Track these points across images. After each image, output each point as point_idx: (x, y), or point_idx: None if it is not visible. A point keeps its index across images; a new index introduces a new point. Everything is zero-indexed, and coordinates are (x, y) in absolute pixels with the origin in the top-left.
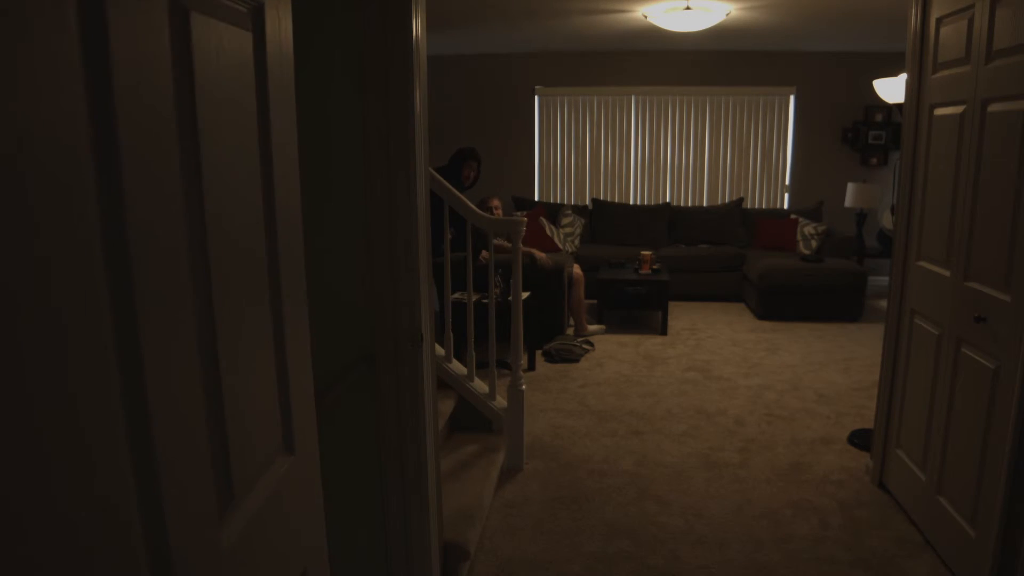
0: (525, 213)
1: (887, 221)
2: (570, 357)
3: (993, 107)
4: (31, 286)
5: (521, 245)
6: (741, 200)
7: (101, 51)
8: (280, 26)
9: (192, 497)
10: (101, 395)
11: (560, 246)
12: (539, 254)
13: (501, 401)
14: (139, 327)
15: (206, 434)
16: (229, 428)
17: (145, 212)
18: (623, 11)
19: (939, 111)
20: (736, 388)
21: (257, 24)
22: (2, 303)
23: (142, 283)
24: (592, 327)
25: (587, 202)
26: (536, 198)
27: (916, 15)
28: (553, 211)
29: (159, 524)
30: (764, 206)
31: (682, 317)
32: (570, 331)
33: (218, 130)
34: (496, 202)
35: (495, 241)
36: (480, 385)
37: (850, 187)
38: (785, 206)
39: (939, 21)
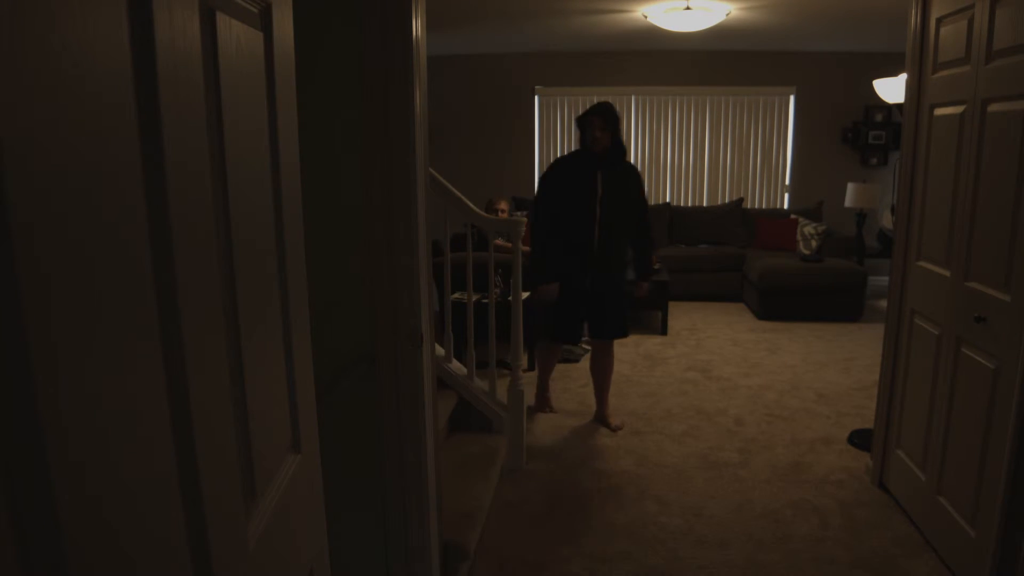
0: (526, 213)
1: (887, 221)
2: (570, 357)
3: (993, 107)
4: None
5: (521, 245)
6: (741, 200)
7: (147, 37)
8: (284, 26)
9: (225, 494)
10: (151, 389)
11: None
12: None
13: (501, 401)
14: (181, 319)
15: (234, 432)
16: (251, 425)
17: (183, 202)
18: (623, 11)
19: (939, 111)
20: (736, 388)
21: (266, 23)
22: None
23: (184, 276)
24: None
25: None
26: None
27: (916, 15)
28: None
29: (199, 520)
30: (764, 206)
31: (682, 317)
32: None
33: (237, 124)
34: (503, 204)
35: (495, 241)
36: (480, 385)
37: (850, 187)
38: (785, 206)
39: (939, 21)
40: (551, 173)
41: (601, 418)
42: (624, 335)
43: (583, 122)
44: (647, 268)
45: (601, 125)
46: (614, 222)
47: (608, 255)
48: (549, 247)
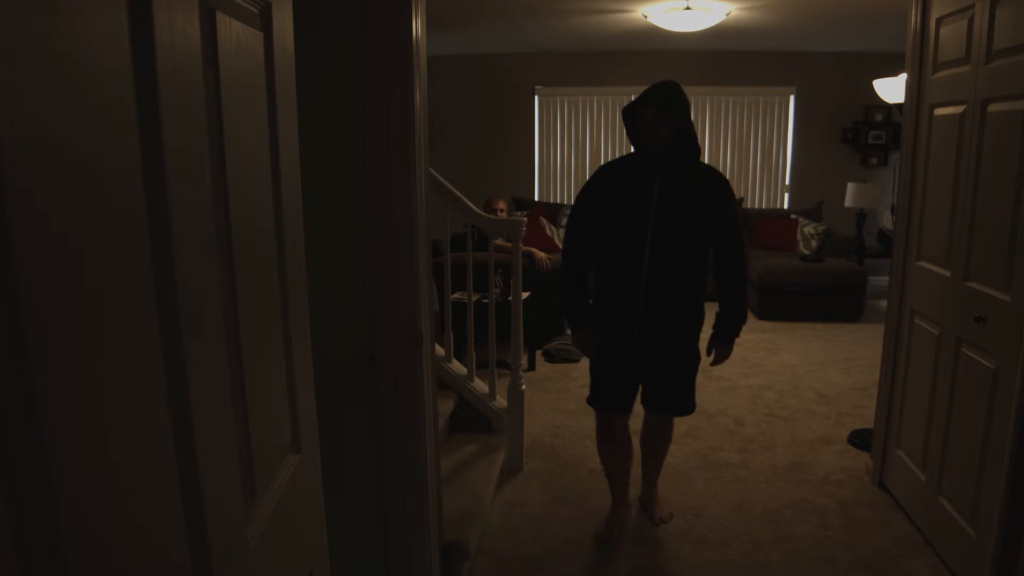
0: (525, 213)
1: (887, 221)
2: (570, 357)
3: (993, 107)
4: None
5: (521, 245)
6: (741, 200)
7: (147, 37)
8: (283, 26)
9: (225, 494)
10: (151, 389)
11: (560, 246)
12: (539, 254)
13: (501, 401)
14: (180, 321)
15: (234, 432)
16: (251, 425)
17: (182, 202)
18: (623, 11)
19: (939, 111)
20: (736, 388)
21: (266, 23)
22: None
23: (183, 276)
24: None
25: None
26: (536, 198)
27: (916, 15)
28: (553, 211)
29: (199, 520)
30: (764, 206)
31: None
32: (570, 331)
33: (237, 124)
34: (502, 204)
35: (495, 241)
36: (480, 385)
37: (850, 187)
38: (785, 206)
39: (939, 21)
40: (589, 187)
41: (645, 503)
42: (687, 410)
43: (629, 115)
44: (732, 326)
45: (655, 117)
46: (673, 250)
47: (663, 298)
48: (581, 282)
